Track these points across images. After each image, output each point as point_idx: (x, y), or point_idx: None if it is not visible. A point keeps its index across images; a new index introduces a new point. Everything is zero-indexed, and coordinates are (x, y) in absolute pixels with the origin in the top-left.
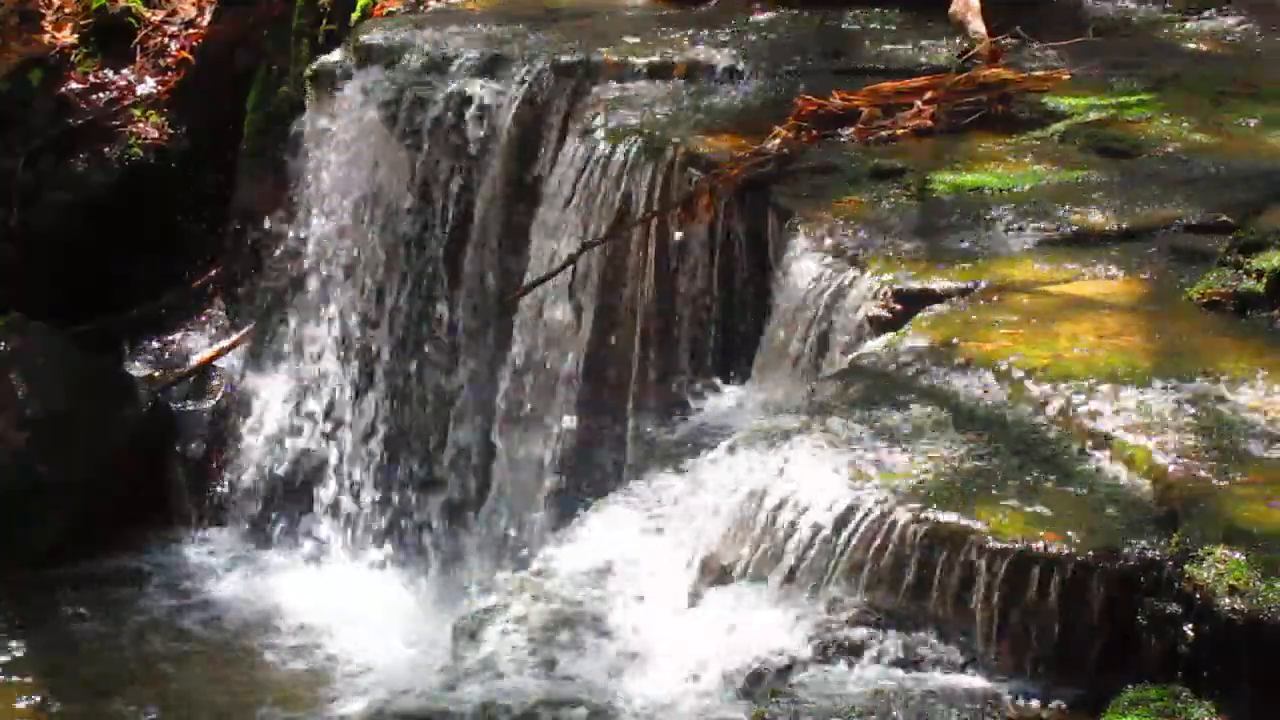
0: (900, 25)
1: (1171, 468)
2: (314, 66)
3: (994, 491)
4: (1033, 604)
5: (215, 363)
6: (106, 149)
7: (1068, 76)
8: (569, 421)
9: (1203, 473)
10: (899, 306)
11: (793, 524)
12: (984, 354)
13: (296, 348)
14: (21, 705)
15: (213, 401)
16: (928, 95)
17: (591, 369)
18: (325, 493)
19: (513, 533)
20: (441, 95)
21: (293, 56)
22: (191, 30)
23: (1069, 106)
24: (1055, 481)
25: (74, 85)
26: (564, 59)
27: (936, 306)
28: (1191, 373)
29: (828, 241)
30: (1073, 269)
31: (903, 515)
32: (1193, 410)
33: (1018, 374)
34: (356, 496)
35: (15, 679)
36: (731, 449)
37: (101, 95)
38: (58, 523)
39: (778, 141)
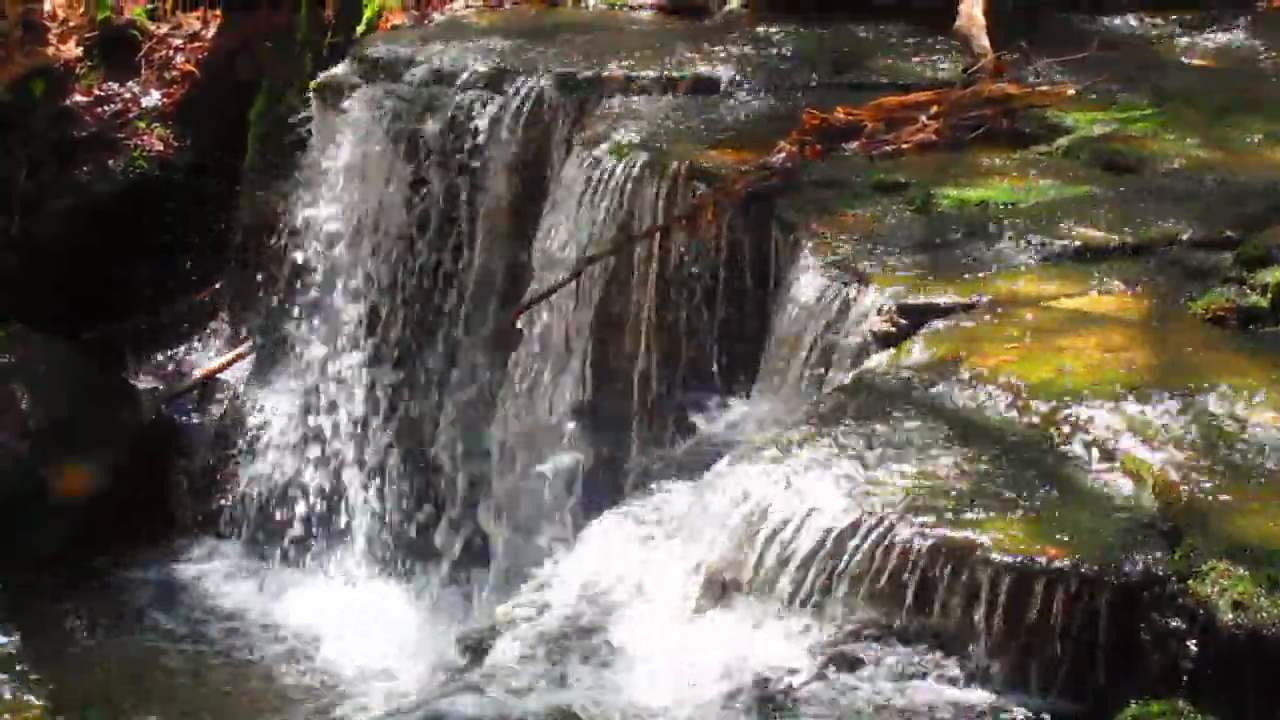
0: (905, 40)
1: (1175, 482)
2: (319, 79)
3: (997, 506)
4: (1036, 618)
5: (218, 375)
6: (111, 160)
7: (1072, 92)
8: (572, 436)
9: (1207, 487)
10: (903, 321)
11: (796, 538)
12: (988, 369)
13: (299, 360)
14: (22, 713)
15: (216, 414)
16: (932, 110)
17: (595, 383)
18: (328, 504)
19: (517, 546)
20: (446, 109)
21: (297, 69)
22: (196, 43)
23: (1073, 121)
24: (1059, 496)
25: (79, 98)
26: (569, 73)
27: (940, 321)
28: (1196, 388)
29: (832, 256)
30: (1077, 284)
31: (906, 529)
32: (1197, 425)
33: (1021, 388)
34: (360, 508)
35: (17, 686)
36: (735, 463)
37: (106, 108)
38: (60, 531)
39: (782, 155)
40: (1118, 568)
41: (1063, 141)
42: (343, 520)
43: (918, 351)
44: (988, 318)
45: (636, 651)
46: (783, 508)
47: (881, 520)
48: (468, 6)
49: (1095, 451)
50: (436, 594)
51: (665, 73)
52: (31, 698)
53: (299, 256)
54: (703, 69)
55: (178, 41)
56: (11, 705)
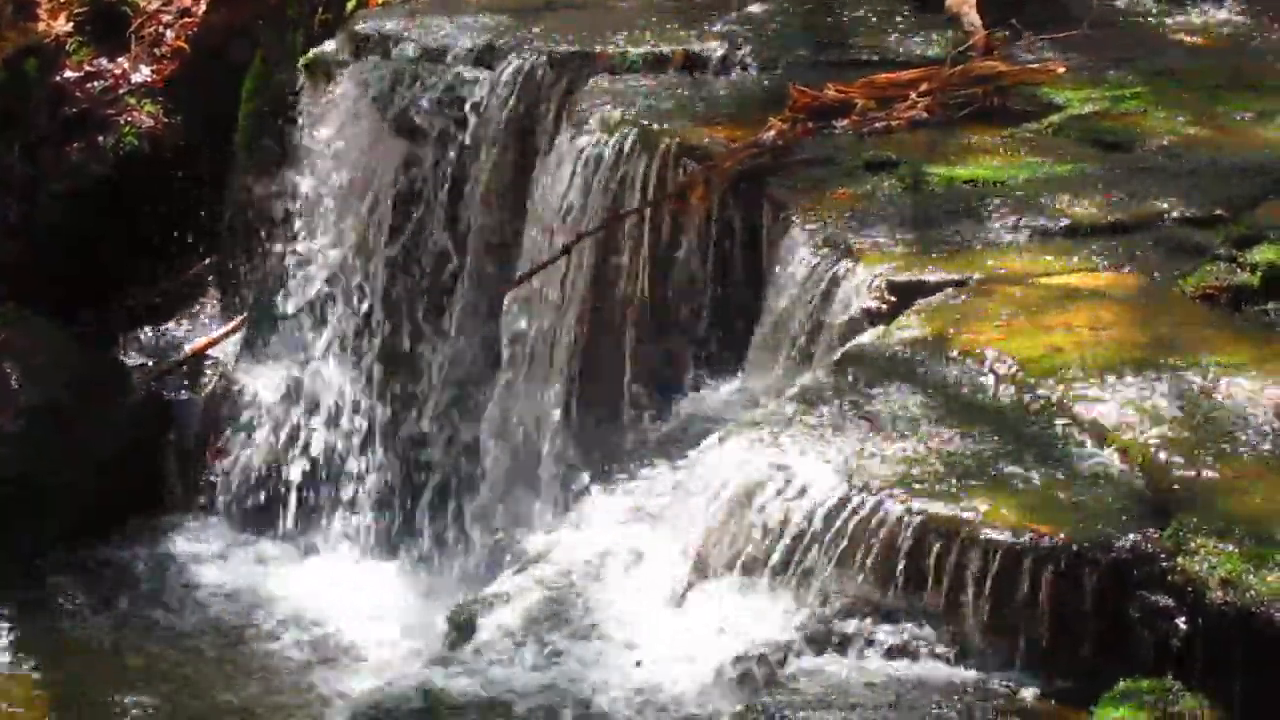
0: (896, 17)
1: (1165, 460)
2: (309, 56)
3: (986, 483)
4: (1025, 596)
5: (209, 352)
6: (101, 138)
7: (1063, 69)
8: (562, 413)
9: (1196, 465)
10: (892, 298)
11: (785, 515)
12: (977, 345)
13: (289, 336)
14: (14, 691)
15: (207, 390)
16: (922, 87)
17: (585, 360)
18: (319, 481)
19: (507, 523)
20: (436, 85)
21: (288, 46)
22: (187, 19)
23: (1064, 99)
24: (1048, 473)
25: (68, 73)
26: (559, 49)
27: (930, 298)
28: (1185, 365)
29: (822, 233)
30: (1066, 261)
31: (895, 507)
32: (1186, 403)
33: (1011, 366)
34: (350, 485)
35: (8, 664)
36: (725, 439)
37: (96, 84)
38: (52, 512)
39: (773, 133)
40: (1107, 545)
41: (1053, 119)
42: (332, 495)
43: (907, 328)
44: (978, 295)
45: (626, 628)
46: (772, 484)
47: (871, 497)
48: None
49: (1085, 429)
50: (427, 570)
51: (656, 50)
52: (24, 675)
53: (289, 232)
54: (694, 45)
55: (168, 17)
56: (3, 684)
